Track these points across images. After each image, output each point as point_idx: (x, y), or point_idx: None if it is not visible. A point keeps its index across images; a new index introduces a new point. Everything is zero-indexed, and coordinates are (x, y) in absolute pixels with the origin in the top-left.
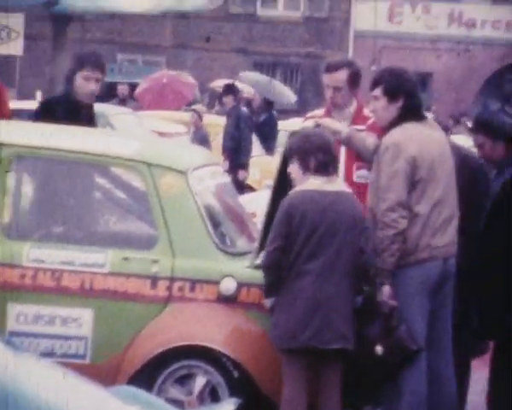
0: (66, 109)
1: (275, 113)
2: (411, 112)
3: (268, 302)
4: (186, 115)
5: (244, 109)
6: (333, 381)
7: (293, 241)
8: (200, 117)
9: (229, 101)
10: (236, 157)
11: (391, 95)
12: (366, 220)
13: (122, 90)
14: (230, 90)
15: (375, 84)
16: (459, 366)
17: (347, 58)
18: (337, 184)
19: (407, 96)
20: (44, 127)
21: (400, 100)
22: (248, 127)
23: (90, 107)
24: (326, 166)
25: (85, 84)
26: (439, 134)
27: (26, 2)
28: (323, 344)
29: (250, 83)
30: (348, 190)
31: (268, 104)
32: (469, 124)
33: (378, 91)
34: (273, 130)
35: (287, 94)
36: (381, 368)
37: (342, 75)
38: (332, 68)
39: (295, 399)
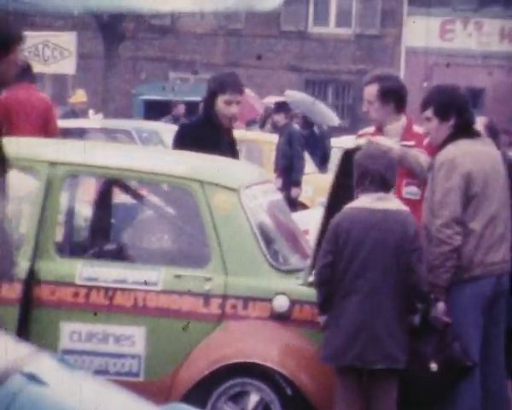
0: (207, 133)
1: (316, 130)
2: (464, 129)
3: (322, 320)
4: (238, 133)
5: (296, 126)
6: (384, 400)
7: (340, 259)
8: None
9: (280, 118)
10: (289, 174)
11: (442, 115)
12: (418, 240)
13: (180, 109)
14: (282, 107)
15: (425, 104)
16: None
17: (381, 73)
18: (390, 202)
19: (458, 113)
20: (97, 145)
21: (452, 118)
22: (300, 145)
23: (230, 131)
24: (380, 184)
25: (227, 108)
26: (492, 150)
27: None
28: (369, 364)
29: (294, 100)
30: (403, 208)
31: (309, 122)
32: None
33: (429, 112)
34: (315, 147)
35: (330, 116)
36: (435, 385)
37: (373, 89)
38: (365, 82)
39: None
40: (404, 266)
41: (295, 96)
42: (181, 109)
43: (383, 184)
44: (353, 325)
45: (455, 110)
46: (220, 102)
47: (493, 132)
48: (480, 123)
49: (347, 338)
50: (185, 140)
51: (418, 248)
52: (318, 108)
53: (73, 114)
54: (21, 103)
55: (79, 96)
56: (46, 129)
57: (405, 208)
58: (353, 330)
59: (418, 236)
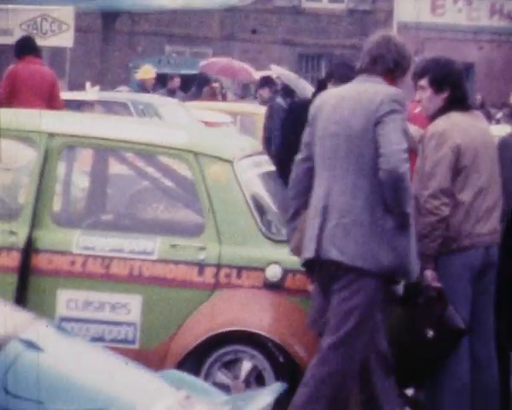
0: None
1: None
2: (457, 102)
3: (310, 288)
4: (232, 105)
5: (279, 100)
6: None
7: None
8: None
9: (264, 93)
10: (269, 146)
11: (437, 85)
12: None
13: (175, 82)
14: (267, 82)
15: (421, 73)
16: (498, 356)
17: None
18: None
19: (453, 87)
20: (94, 117)
21: (446, 91)
22: (280, 118)
23: None
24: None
25: None
26: (483, 124)
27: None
28: None
29: (279, 74)
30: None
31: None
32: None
33: (424, 81)
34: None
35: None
36: (432, 351)
37: None
38: None
39: None
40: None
41: (279, 70)
42: (176, 83)
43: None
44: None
45: (450, 83)
46: (330, 86)
47: (483, 107)
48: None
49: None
50: (296, 118)
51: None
52: (302, 84)
53: (143, 89)
54: (29, 76)
55: (148, 72)
56: (51, 102)
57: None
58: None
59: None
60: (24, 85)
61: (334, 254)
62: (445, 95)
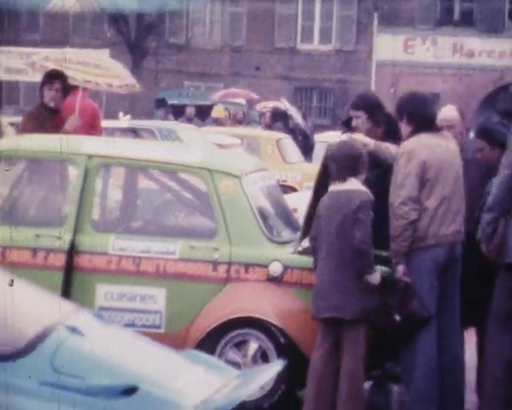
0: None
1: (304, 127)
2: (424, 125)
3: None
4: (239, 130)
5: (279, 125)
6: (350, 348)
7: (319, 232)
8: None
9: (278, 124)
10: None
11: (406, 119)
12: (360, 212)
13: (190, 111)
14: (278, 114)
15: (400, 111)
16: None
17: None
18: (348, 184)
19: (413, 118)
20: (125, 141)
21: (404, 120)
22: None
23: None
24: (343, 171)
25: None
26: (450, 144)
27: None
28: (320, 314)
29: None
30: (355, 188)
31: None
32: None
33: (403, 118)
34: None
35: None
36: (399, 333)
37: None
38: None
39: (320, 357)
40: (349, 231)
41: (287, 104)
42: (191, 111)
43: (349, 170)
44: (317, 283)
45: (407, 113)
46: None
47: (462, 114)
48: (451, 108)
49: (314, 292)
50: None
51: (358, 219)
52: (297, 114)
53: (218, 124)
54: (75, 108)
55: (220, 112)
56: (92, 129)
57: (358, 188)
58: (317, 287)
59: (360, 209)
60: (71, 115)
61: None
62: (404, 123)
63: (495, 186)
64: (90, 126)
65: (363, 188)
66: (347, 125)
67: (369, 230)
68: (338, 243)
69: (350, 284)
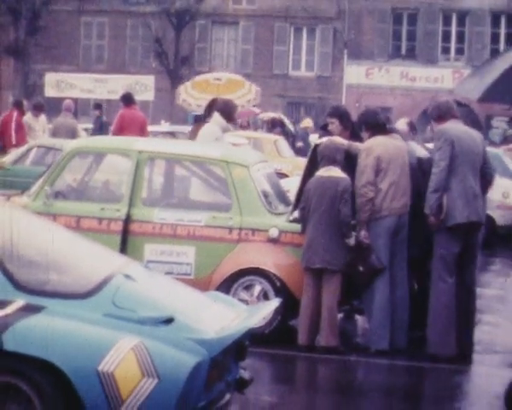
0: None
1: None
2: (378, 130)
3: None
4: (248, 133)
5: (277, 130)
6: (329, 289)
7: (308, 205)
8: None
9: (276, 131)
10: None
11: (365, 128)
12: (345, 194)
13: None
14: (276, 122)
15: (359, 124)
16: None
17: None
18: (333, 172)
19: (366, 124)
20: (166, 141)
21: (363, 128)
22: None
23: None
24: (327, 162)
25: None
26: (399, 142)
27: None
28: (312, 265)
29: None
30: (339, 175)
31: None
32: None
33: (364, 130)
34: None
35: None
36: (362, 278)
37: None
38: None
39: (308, 298)
40: (336, 207)
41: (281, 115)
42: None
43: (331, 161)
44: (308, 241)
45: (366, 125)
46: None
47: (412, 127)
48: (403, 121)
49: (306, 248)
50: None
51: (344, 198)
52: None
53: (305, 134)
54: (131, 117)
55: (307, 123)
56: (142, 132)
57: (341, 175)
58: (308, 244)
59: (345, 191)
60: (127, 123)
61: None
62: (366, 131)
63: (435, 174)
64: (141, 130)
65: (345, 175)
66: (325, 129)
67: (350, 207)
68: (328, 215)
69: (335, 245)
